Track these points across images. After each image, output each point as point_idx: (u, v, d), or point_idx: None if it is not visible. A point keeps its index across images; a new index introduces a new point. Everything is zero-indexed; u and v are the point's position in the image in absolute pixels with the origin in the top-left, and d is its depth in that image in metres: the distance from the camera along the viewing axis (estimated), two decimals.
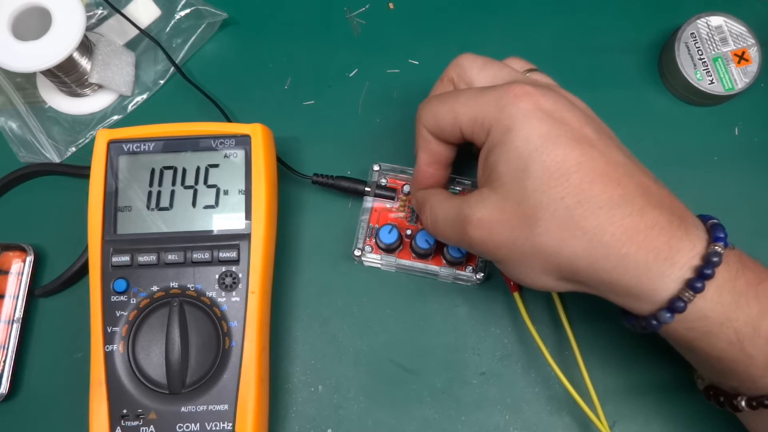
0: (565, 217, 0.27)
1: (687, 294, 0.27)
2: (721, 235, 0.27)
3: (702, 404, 0.37)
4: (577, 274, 0.28)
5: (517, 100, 0.29)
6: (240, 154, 0.37)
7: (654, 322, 0.28)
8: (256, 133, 0.37)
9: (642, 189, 0.28)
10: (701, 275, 0.26)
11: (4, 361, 0.37)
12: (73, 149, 0.42)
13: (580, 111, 0.30)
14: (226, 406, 0.34)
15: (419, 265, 0.38)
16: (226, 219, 0.36)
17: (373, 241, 0.39)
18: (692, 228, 0.28)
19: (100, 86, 0.42)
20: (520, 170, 0.28)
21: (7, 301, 0.38)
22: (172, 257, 0.35)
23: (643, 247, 0.27)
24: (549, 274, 0.29)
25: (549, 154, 0.28)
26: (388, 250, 0.38)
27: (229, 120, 0.41)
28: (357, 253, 0.38)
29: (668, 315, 0.27)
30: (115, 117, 0.43)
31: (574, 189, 0.27)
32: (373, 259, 0.39)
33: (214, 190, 0.37)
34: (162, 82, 0.43)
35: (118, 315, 0.35)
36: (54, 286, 0.39)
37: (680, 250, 0.27)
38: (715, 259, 0.27)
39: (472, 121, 0.30)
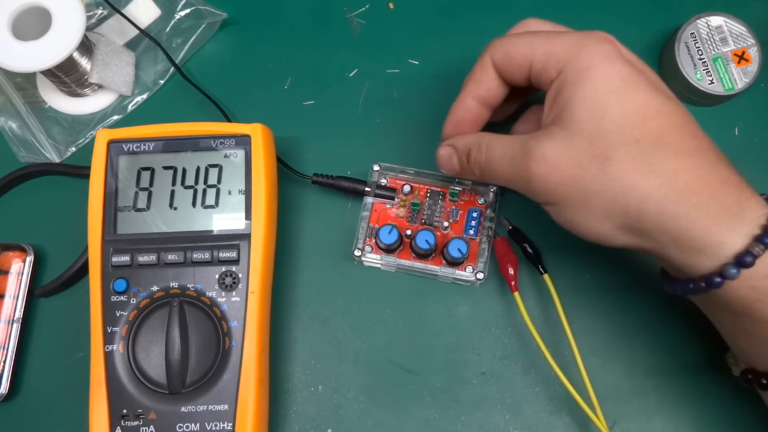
0: (639, 158, 0.27)
1: (757, 248, 0.26)
2: None
3: (702, 404, 0.37)
4: (642, 219, 0.28)
5: (600, 43, 0.29)
6: (240, 154, 0.37)
7: (717, 279, 0.27)
8: (256, 133, 0.37)
9: (714, 146, 0.29)
10: (746, 258, 0.26)
11: (4, 361, 0.37)
12: (73, 149, 0.42)
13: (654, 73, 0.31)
14: (226, 406, 0.34)
15: (419, 265, 0.38)
16: (226, 219, 0.36)
17: (373, 241, 0.39)
18: (755, 194, 0.28)
19: (100, 86, 0.42)
20: (597, 109, 0.28)
21: (7, 301, 0.38)
22: (172, 257, 0.35)
23: (714, 198, 0.27)
24: (611, 219, 0.29)
25: (629, 96, 0.28)
26: (388, 250, 0.38)
27: (229, 120, 0.41)
28: (357, 253, 0.38)
29: (734, 270, 0.26)
30: (115, 117, 0.43)
31: (651, 133, 0.28)
32: (373, 259, 0.39)
33: (214, 190, 0.37)
34: (162, 82, 0.43)
35: (118, 315, 0.35)
36: (54, 286, 0.39)
37: (749, 207, 0.27)
38: None
39: (547, 55, 0.30)
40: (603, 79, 0.28)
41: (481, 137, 0.33)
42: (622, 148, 0.28)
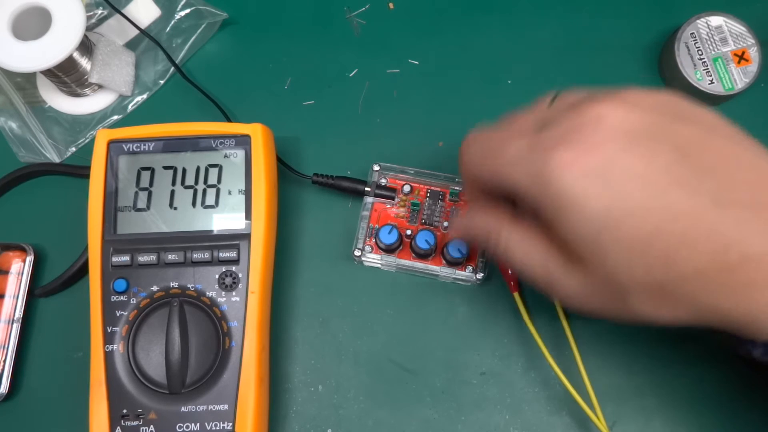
0: (656, 289, 0.25)
1: None
2: None
3: (702, 404, 0.37)
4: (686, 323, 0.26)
5: (560, 171, 0.24)
6: (240, 154, 0.37)
7: None
8: (256, 133, 0.37)
9: (738, 226, 0.24)
10: None
11: (4, 361, 0.37)
12: (73, 149, 0.42)
13: (638, 137, 0.25)
14: (226, 406, 0.34)
15: (419, 265, 0.38)
16: (226, 219, 0.36)
17: (373, 241, 0.39)
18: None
19: (100, 86, 0.42)
20: (596, 250, 0.25)
21: (7, 301, 0.38)
22: (172, 257, 0.35)
23: (746, 299, 0.24)
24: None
25: (620, 228, 0.24)
26: (388, 250, 0.38)
27: (229, 120, 0.41)
28: (357, 253, 0.38)
29: None
30: (115, 117, 0.43)
31: (658, 260, 0.24)
32: (373, 259, 0.39)
33: (214, 190, 0.37)
34: (162, 82, 0.43)
35: (118, 315, 0.35)
36: (54, 286, 0.39)
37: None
38: None
39: (518, 194, 0.27)
40: (585, 219, 0.24)
41: (497, 229, 0.30)
42: (637, 284, 0.25)
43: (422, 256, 0.38)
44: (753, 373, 0.36)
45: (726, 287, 0.24)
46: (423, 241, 0.37)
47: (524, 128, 0.27)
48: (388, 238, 0.37)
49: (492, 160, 0.28)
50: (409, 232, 0.38)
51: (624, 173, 0.24)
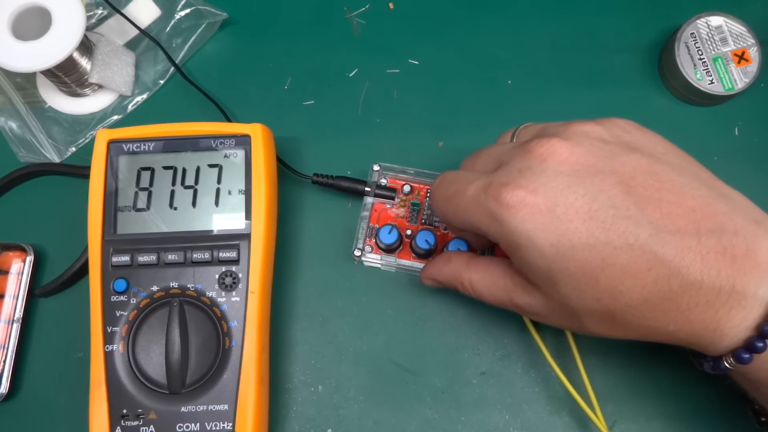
0: (606, 315, 0.27)
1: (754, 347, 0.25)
2: None
3: (702, 404, 0.37)
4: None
5: (510, 211, 0.26)
6: (240, 154, 0.37)
7: (742, 357, 0.26)
8: (256, 133, 0.37)
9: (679, 254, 0.25)
10: (751, 348, 0.25)
11: (4, 361, 0.37)
12: (73, 149, 0.42)
13: (582, 174, 0.26)
14: (226, 406, 0.34)
15: (419, 265, 0.38)
16: (226, 219, 0.36)
17: (373, 241, 0.39)
18: (750, 277, 0.25)
19: (100, 86, 0.42)
20: (549, 280, 0.27)
21: (7, 301, 0.38)
22: (172, 257, 0.35)
23: (689, 322, 0.26)
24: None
25: (569, 261, 0.26)
26: (388, 250, 0.38)
27: (229, 120, 0.41)
28: (357, 253, 0.38)
29: (746, 356, 0.26)
30: (115, 117, 0.43)
31: (606, 290, 0.26)
32: (373, 259, 0.39)
33: (214, 190, 0.37)
34: (162, 82, 0.43)
35: (118, 315, 0.35)
36: (54, 286, 0.39)
37: (731, 319, 0.25)
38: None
39: (480, 231, 0.29)
40: (537, 255, 0.26)
41: (458, 275, 0.32)
42: (587, 309, 0.27)
43: (422, 256, 0.38)
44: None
45: (670, 312, 0.26)
46: (423, 241, 0.37)
47: (486, 165, 0.30)
48: (388, 238, 0.37)
49: (455, 203, 0.29)
50: (409, 232, 0.38)
51: (569, 211, 0.26)
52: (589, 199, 0.26)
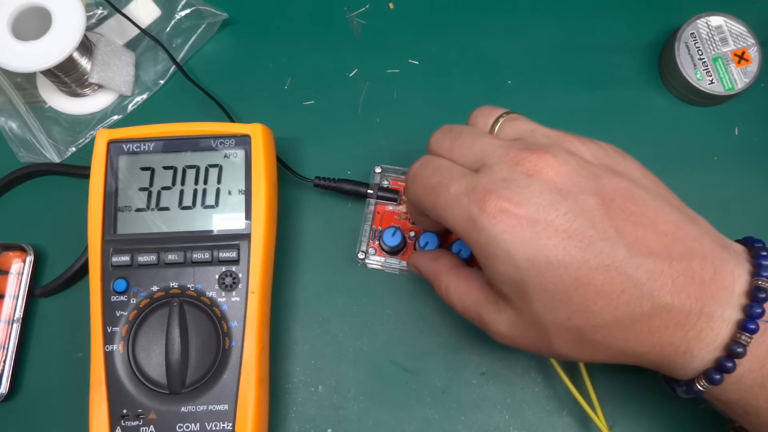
0: (576, 334, 0.27)
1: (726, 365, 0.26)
2: (751, 325, 0.25)
3: (702, 403, 0.37)
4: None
5: (491, 220, 0.26)
6: (240, 154, 0.37)
7: (713, 378, 0.26)
8: (256, 133, 0.37)
9: (651, 277, 0.26)
10: (721, 368, 0.26)
11: (4, 361, 0.37)
12: (73, 149, 0.42)
13: (567, 193, 0.26)
14: (226, 406, 0.34)
15: None
16: (226, 219, 0.36)
17: (377, 243, 0.38)
18: (718, 299, 0.26)
19: (100, 86, 0.42)
20: (521, 294, 0.27)
21: (7, 301, 0.38)
22: (172, 257, 0.35)
23: (659, 344, 0.26)
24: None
25: (544, 277, 0.26)
26: (392, 252, 0.38)
27: (231, 119, 0.41)
28: (361, 256, 0.38)
29: (717, 377, 0.26)
30: (115, 117, 0.43)
31: (579, 308, 0.26)
32: (376, 261, 0.38)
33: (214, 190, 0.37)
34: (162, 82, 0.43)
35: (118, 315, 0.35)
36: (54, 286, 0.39)
37: (701, 341, 0.26)
38: (739, 349, 0.25)
39: (455, 231, 0.28)
40: (512, 267, 0.26)
41: (439, 276, 0.32)
42: (558, 328, 0.27)
43: None
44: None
45: (641, 334, 0.26)
46: (426, 242, 0.37)
47: (468, 159, 0.29)
48: (392, 240, 0.37)
49: (434, 196, 0.29)
50: (412, 233, 0.38)
51: (549, 228, 0.26)
52: (570, 217, 0.26)
